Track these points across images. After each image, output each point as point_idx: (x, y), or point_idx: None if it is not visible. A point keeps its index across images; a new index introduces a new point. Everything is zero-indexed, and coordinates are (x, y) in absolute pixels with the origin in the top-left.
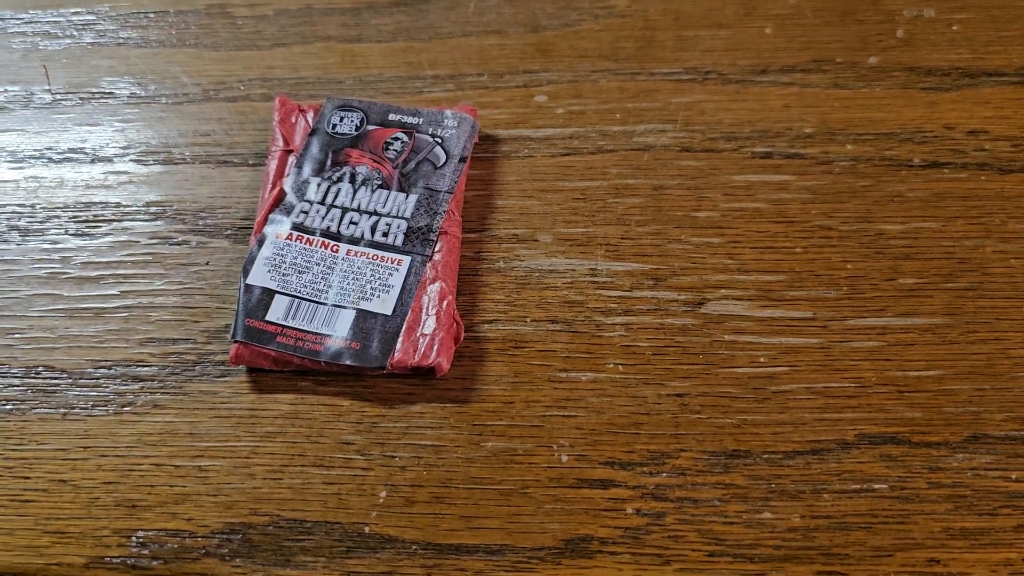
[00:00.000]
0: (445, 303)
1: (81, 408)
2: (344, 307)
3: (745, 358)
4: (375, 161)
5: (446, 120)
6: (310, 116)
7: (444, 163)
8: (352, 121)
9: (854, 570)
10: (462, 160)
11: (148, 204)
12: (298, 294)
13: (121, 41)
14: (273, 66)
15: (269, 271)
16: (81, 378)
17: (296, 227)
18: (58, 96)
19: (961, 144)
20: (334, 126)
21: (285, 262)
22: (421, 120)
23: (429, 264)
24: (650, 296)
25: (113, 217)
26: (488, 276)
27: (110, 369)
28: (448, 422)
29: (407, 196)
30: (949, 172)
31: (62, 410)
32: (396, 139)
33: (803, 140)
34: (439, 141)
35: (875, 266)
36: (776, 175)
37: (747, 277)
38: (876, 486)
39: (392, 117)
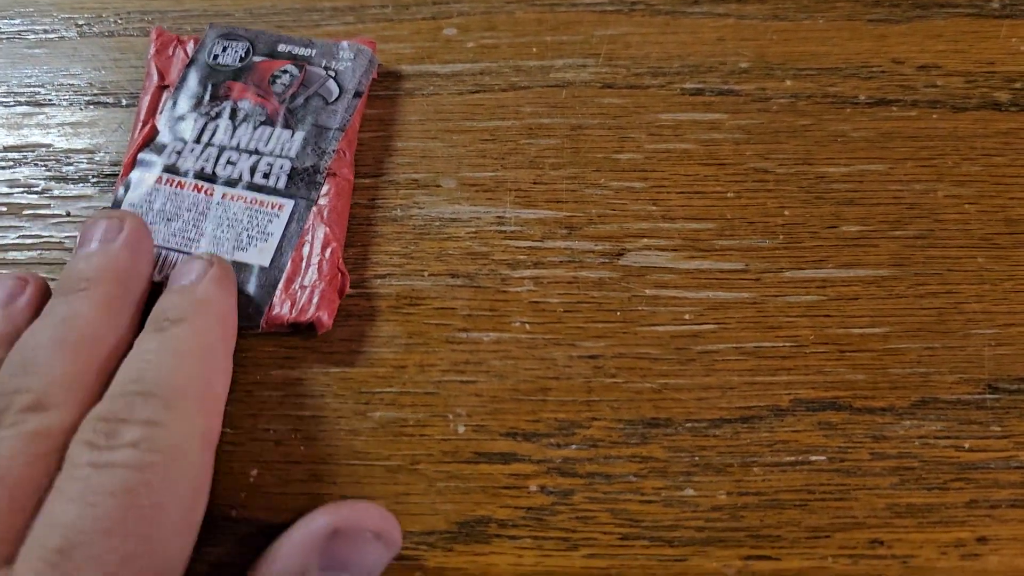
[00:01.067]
0: (328, 251)
1: None
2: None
3: (668, 315)
4: (259, 96)
5: (341, 52)
6: (190, 48)
7: (336, 98)
8: (236, 51)
9: (787, 554)
10: (356, 95)
11: (6, 149)
12: (166, 244)
13: None
14: None
15: None
16: None
17: (167, 168)
18: None
19: (911, 80)
20: (215, 57)
21: (153, 209)
22: (314, 52)
23: (314, 209)
24: (563, 247)
25: None
26: (383, 226)
27: None
28: (331, 389)
29: (293, 134)
30: (898, 110)
31: None
32: (284, 72)
33: (738, 76)
34: (332, 75)
35: (815, 212)
36: (707, 113)
37: (672, 225)
38: (813, 458)
39: (282, 48)
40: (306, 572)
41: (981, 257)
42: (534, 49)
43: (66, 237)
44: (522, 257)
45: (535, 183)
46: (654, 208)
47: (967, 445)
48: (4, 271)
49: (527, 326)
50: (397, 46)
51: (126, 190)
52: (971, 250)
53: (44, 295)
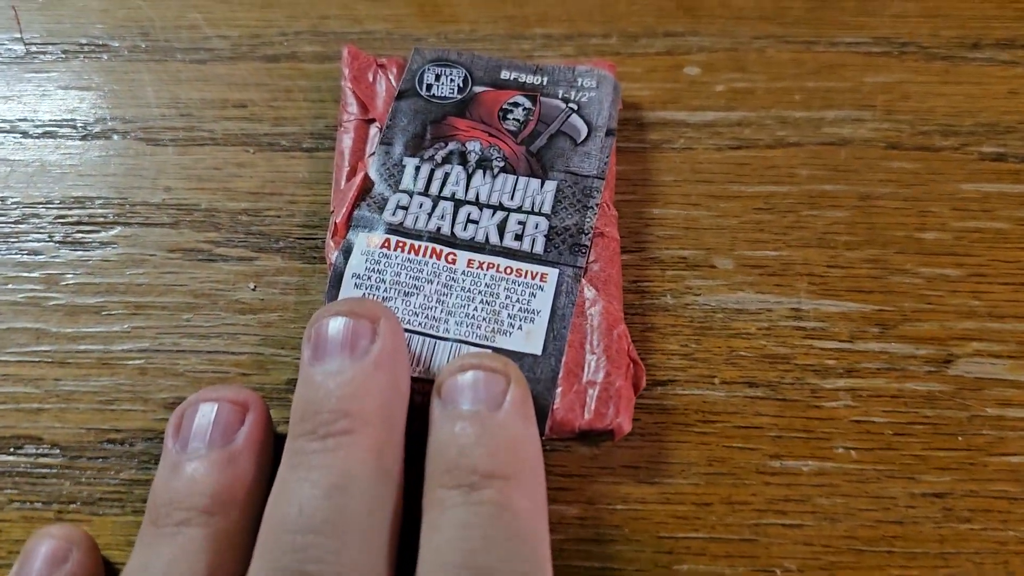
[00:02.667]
0: (615, 334)
1: (83, 503)
2: (472, 343)
3: (1019, 441)
4: (490, 135)
5: (580, 79)
6: (392, 74)
7: (586, 137)
8: (452, 80)
9: None
10: (609, 134)
11: (164, 203)
12: (408, 326)
13: None
14: (326, 15)
15: (363, 293)
16: (81, 457)
17: (393, 229)
18: (34, 48)
19: None
20: (429, 87)
21: (384, 280)
22: (546, 80)
23: (584, 278)
24: (878, 350)
25: (116, 219)
26: (653, 316)
27: (123, 444)
28: (623, 532)
29: (543, 183)
30: None
31: (55, 505)
32: (516, 104)
33: None
34: (574, 108)
35: None
36: (1017, 185)
37: (1003, 325)
38: None
39: (505, 75)
40: None
41: None
42: (797, 97)
43: (254, 319)
44: (831, 362)
45: (830, 266)
46: (977, 303)
47: None
48: (182, 362)
49: (852, 453)
50: (631, 86)
51: (346, 257)
52: None
53: (269, 423)
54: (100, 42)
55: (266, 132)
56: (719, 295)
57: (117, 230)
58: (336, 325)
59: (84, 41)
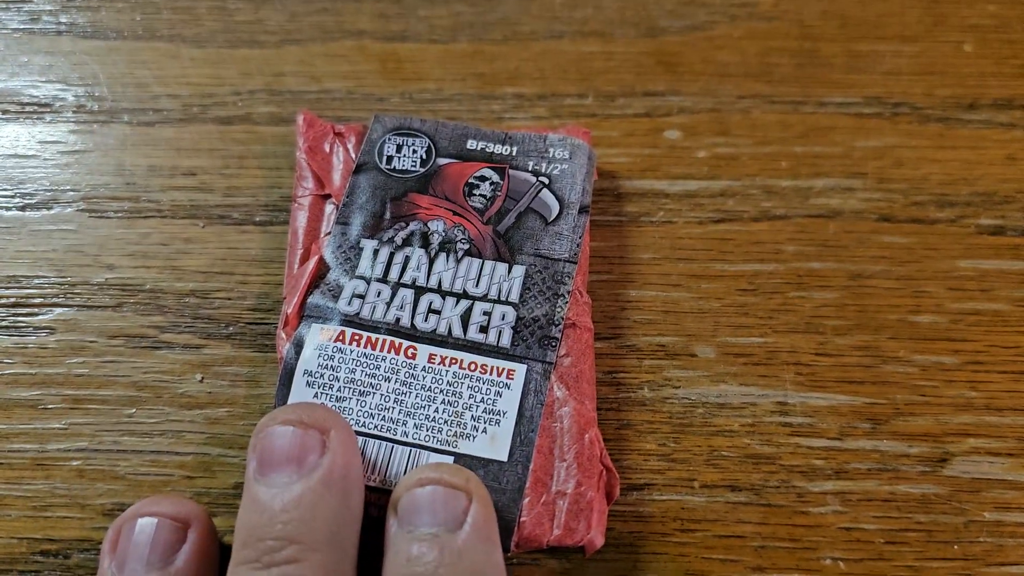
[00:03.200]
0: (587, 438)
1: None
2: (431, 449)
3: (1019, 550)
4: (455, 213)
5: (552, 149)
6: (351, 143)
7: (558, 215)
8: (415, 152)
9: None
10: (583, 211)
11: (107, 282)
12: (362, 428)
13: (63, 29)
14: (283, 72)
15: (315, 393)
16: (11, 570)
17: (348, 320)
18: None
19: None
20: (389, 159)
21: (339, 378)
22: (515, 149)
23: (554, 375)
24: (869, 448)
25: (55, 300)
26: (629, 411)
27: (58, 556)
28: None
29: (510, 268)
30: None
31: None
32: (483, 178)
33: None
34: (545, 182)
35: None
36: (1016, 261)
37: (1001, 419)
38: None
39: (472, 145)
40: None
41: None
42: (783, 163)
43: (200, 415)
44: (818, 462)
45: (818, 354)
46: (975, 394)
47: None
48: (122, 464)
49: (841, 564)
50: (607, 151)
51: (297, 352)
52: None
53: (213, 540)
54: (42, 102)
55: (217, 203)
56: (700, 387)
57: (56, 313)
58: (283, 436)
59: (25, 100)
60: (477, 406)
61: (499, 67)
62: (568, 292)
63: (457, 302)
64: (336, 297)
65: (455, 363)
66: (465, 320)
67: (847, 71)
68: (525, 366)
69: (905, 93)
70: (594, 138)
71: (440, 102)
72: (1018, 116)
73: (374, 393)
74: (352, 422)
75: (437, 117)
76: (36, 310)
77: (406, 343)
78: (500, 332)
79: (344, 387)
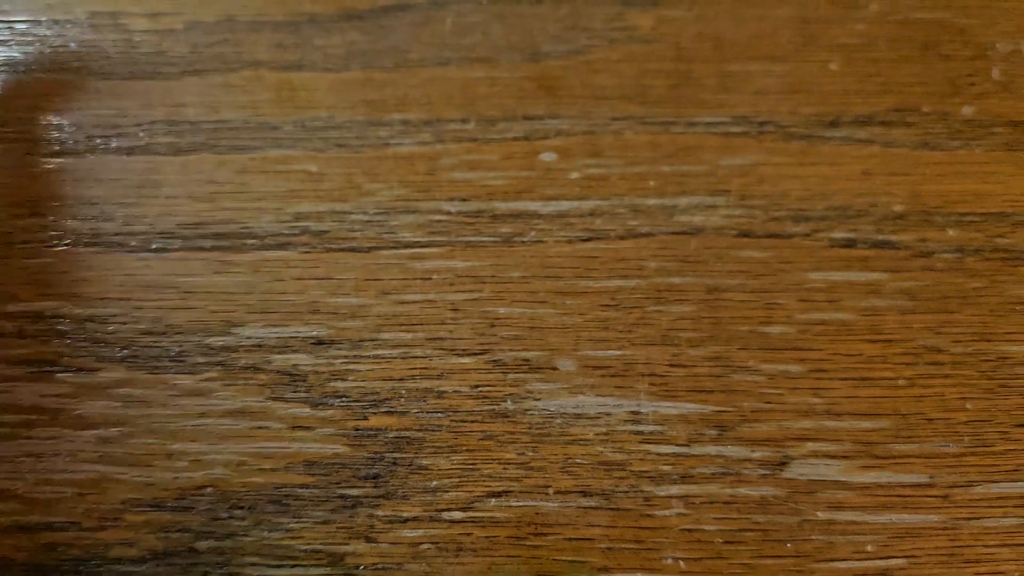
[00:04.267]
0: None
1: None
2: None
3: (847, 547)
4: None
5: None
6: None
7: None
8: None
9: None
10: None
11: (10, 313)
12: None
13: None
14: (183, 103)
15: None
16: None
17: None
18: None
19: None
20: None
21: None
22: None
23: None
24: (715, 453)
25: None
26: (492, 423)
27: None
28: None
29: None
30: None
31: None
32: None
33: (893, 222)
34: None
35: (1002, 405)
36: (864, 272)
37: (839, 423)
38: None
39: None
40: None
41: None
42: (651, 183)
43: (97, 441)
44: (666, 468)
45: (672, 365)
46: (816, 400)
47: None
48: None
49: (681, 563)
50: (486, 175)
51: None
52: None
53: None
54: None
55: (116, 232)
56: (559, 399)
57: None
58: None
59: None
60: None
61: (388, 94)
62: None
63: None
64: None
65: None
66: None
67: (718, 91)
68: None
69: (772, 112)
70: (473, 162)
71: (331, 129)
72: (876, 132)
73: None
74: None
75: (329, 146)
76: None
77: None
78: None
79: None
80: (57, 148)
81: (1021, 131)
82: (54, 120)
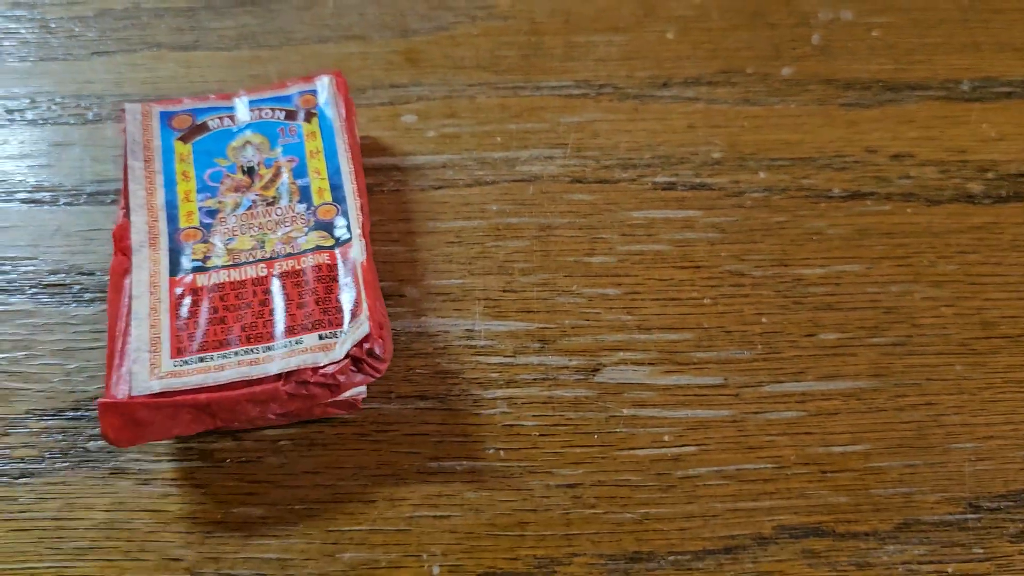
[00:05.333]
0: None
1: None
2: None
3: (647, 437)
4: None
5: None
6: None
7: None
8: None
9: None
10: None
11: None
12: None
13: None
14: (91, 80)
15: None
16: None
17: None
18: None
19: (885, 171)
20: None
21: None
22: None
23: None
24: (536, 363)
25: None
26: None
27: None
28: (298, 528)
29: None
30: (872, 204)
31: None
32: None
33: (710, 167)
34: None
35: (793, 319)
36: (680, 210)
37: (648, 336)
38: None
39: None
40: None
41: (959, 365)
42: (498, 139)
43: (4, 361)
44: (494, 375)
45: (505, 291)
46: (629, 318)
47: (950, 570)
48: None
49: (501, 453)
50: None
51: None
52: (949, 357)
53: None
54: None
55: (28, 190)
56: (405, 321)
57: None
58: None
59: None
60: None
61: (271, 69)
62: None
63: None
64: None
65: None
66: None
67: (564, 60)
68: None
69: (610, 76)
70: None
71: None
72: (703, 91)
73: None
74: None
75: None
76: None
77: None
78: None
79: None
80: None
81: (833, 88)
82: None
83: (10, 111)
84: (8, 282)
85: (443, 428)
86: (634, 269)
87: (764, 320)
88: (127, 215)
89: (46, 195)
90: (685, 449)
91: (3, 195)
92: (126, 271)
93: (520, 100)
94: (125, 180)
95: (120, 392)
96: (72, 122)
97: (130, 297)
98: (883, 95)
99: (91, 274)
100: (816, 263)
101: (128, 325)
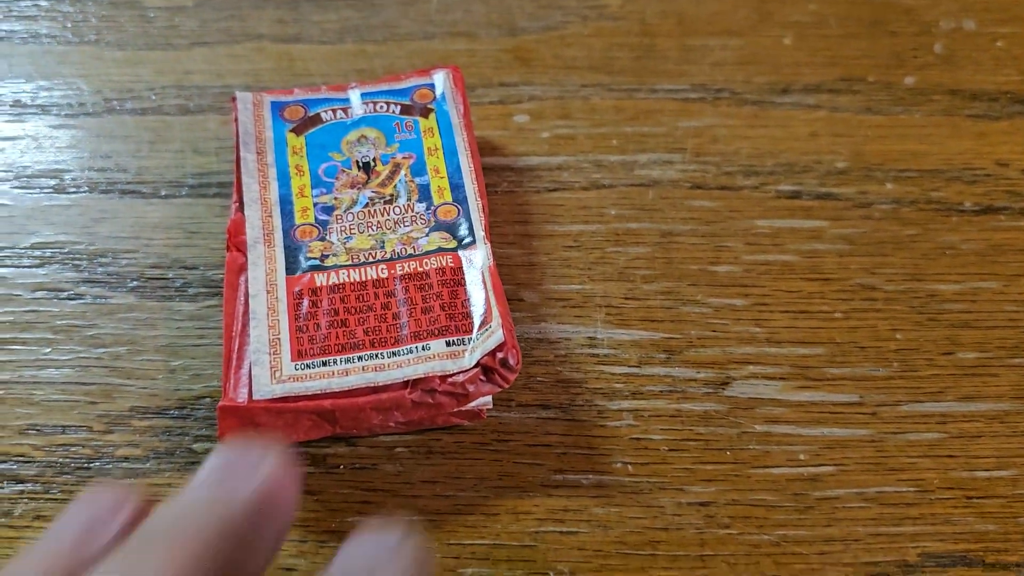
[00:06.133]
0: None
1: None
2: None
3: (781, 455)
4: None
5: None
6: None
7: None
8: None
9: None
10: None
11: (33, 246)
12: None
13: (3, 35)
14: (191, 71)
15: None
16: None
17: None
18: None
19: (1017, 185)
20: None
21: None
22: None
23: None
24: (663, 374)
25: None
26: None
27: None
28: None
29: None
30: (1006, 219)
31: None
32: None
33: (836, 176)
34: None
35: (929, 336)
36: (807, 220)
37: (779, 350)
38: None
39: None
40: None
41: None
42: (614, 141)
43: (104, 353)
44: (619, 385)
45: (627, 298)
46: (758, 330)
47: None
48: (38, 393)
49: (629, 467)
50: None
51: None
52: None
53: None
54: None
55: (129, 181)
56: (524, 326)
57: None
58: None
59: None
60: None
61: (377, 64)
62: None
63: None
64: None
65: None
66: None
67: (679, 63)
68: None
69: (727, 80)
70: None
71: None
72: (824, 99)
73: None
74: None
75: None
76: None
77: None
78: None
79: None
80: (78, 110)
81: (959, 99)
82: (78, 84)
83: (108, 100)
84: (109, 275)
85: (567, 439)
86: (761, 280)
87: (899, 336)
88: (241, 209)
89: (146, 187)
90: (822, 469)
91: (103, 186)
92: (241, 268)
93: (635, 103)
94: (238, 172)
95: (240, 395)
96: (173, 113)
97: (246, 295)
98: (1012, 107)
99: (193, 268)
100: (951, 279)
101: (246, 325)
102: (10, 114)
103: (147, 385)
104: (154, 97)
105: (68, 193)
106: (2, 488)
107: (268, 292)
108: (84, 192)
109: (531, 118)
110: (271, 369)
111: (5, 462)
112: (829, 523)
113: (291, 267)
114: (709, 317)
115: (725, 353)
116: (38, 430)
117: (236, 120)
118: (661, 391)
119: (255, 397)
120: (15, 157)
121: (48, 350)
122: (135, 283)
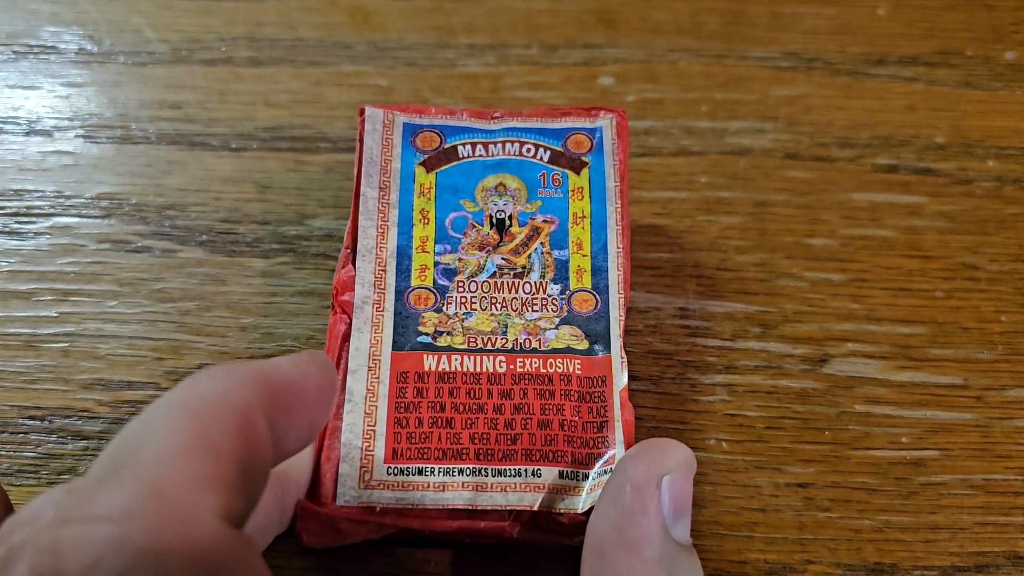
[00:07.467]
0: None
1: (2, 474)
2: None
3: (883, 437)
4: None
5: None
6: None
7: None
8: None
9: None
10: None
11: (98, 196)
12: None
13: None
14: (263, 22)
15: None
16: (3, 432)
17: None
18: None
19: None
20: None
21: None
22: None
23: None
24: (758, 348)
25: (52, 210)
26: None
27: (42, 420)
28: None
29: None
30: None
31: None
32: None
33: (934, 152)
34: None
35: None
36: (905, 195)
37: (879, 328)
38: None
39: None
40: None
41: None
42: (704, 108)
43: (172, 308)
44: (712, 359)
45: (719, 269)
46: (856, 306)
47: None
48: (103, 347)
49: (724, 444)
50: (547, 94)
51: None
52: None
53: None
54: (48, 44)
55: (198, 132)
56: None
57: (51, 221)
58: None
59: (34, 43)
60: None
61: (455, 21)
62: None
63: None
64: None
65: None
66: None
67: (769, 30)
68: None
69: (820, 49)
70: (535, 83)
71: (401, 50)
72: (921, 71)
73: None
74: None
75: (399, 64)
76: (35, 219)
77: None
78: None
79: None
80: (145, 59)
81: None
82: (146, 32)
83: (177, 49)
84: (176, 228)
85: (658, 412)
86: (859, 255)
87: (1003, 319)
88: (352, 259)
89: (216, 140)
90: (926, 453)
91: (171, 137)
92: (346, 337)
93: (725, 68)
94: (355, 210)
95: (323, 495)
96: (243, 64)
97: (346, 370)
98: None
99: (265, 224)
100: None
101: (340, 406)
102: (75, 62)
103: (216, 343)
104: (224, 48)
105: (135, 143)
106: (65, 444)
107: (369, 369)
108: (152, 143)
109: (616, 80)
110: (361, 470)
111: (69, 416)
112: (934, 510)
113: (399, 341)
114: (805, 291)
115: (823, 329)
116: (104, 385)
117: (360, 141)
118: (756, 366)
119: (339, 502)
120: (81, 105)
121: (114, 303)
122: (204, 237)
